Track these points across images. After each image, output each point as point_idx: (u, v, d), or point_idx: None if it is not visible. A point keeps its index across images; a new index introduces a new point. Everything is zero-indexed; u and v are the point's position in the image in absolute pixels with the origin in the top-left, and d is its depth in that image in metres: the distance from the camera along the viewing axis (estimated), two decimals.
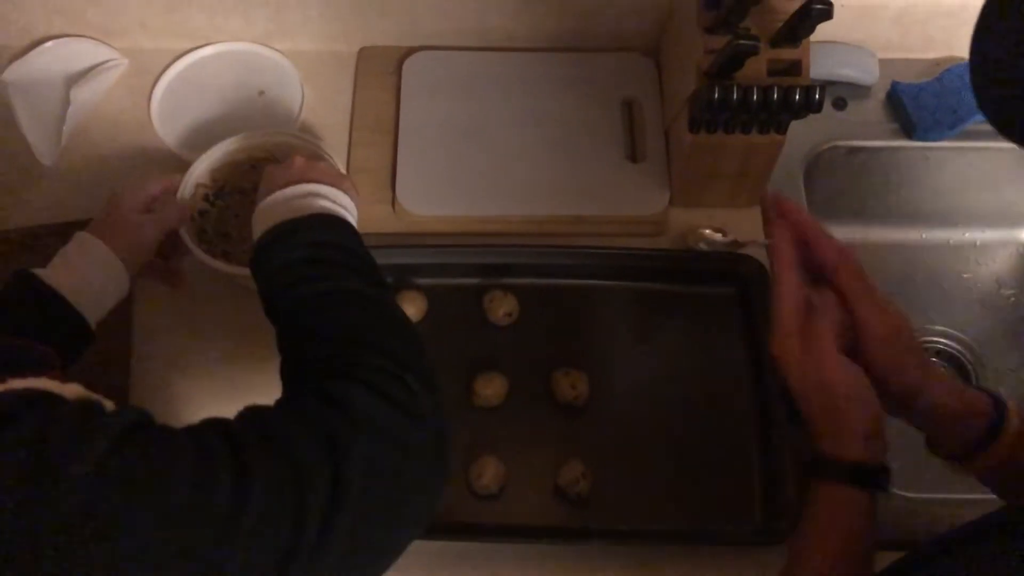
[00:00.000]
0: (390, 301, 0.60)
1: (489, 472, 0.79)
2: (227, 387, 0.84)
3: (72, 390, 0.46)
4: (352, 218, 0.67)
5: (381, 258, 0.64)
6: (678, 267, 0.90)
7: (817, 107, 0.79)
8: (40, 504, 0.39)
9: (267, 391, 0.54)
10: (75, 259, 0.70)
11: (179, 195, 0.80)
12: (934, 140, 0.99)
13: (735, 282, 0.89)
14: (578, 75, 0.99)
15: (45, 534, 0.39)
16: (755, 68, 0.79)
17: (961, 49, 0.48)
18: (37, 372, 0.46)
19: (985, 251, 1.09)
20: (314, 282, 0.58)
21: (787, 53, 0.80)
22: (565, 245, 0.90)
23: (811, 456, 0.60)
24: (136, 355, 0.85)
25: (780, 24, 0.78)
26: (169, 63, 1.01)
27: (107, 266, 0.70)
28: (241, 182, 0.84)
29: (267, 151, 0.85)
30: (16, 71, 0.97)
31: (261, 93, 1.00)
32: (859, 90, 1.01)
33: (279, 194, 0.65)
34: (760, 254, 0.89)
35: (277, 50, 1.02)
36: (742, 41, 0.74)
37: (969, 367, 1.04)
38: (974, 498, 0.79)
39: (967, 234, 1.09)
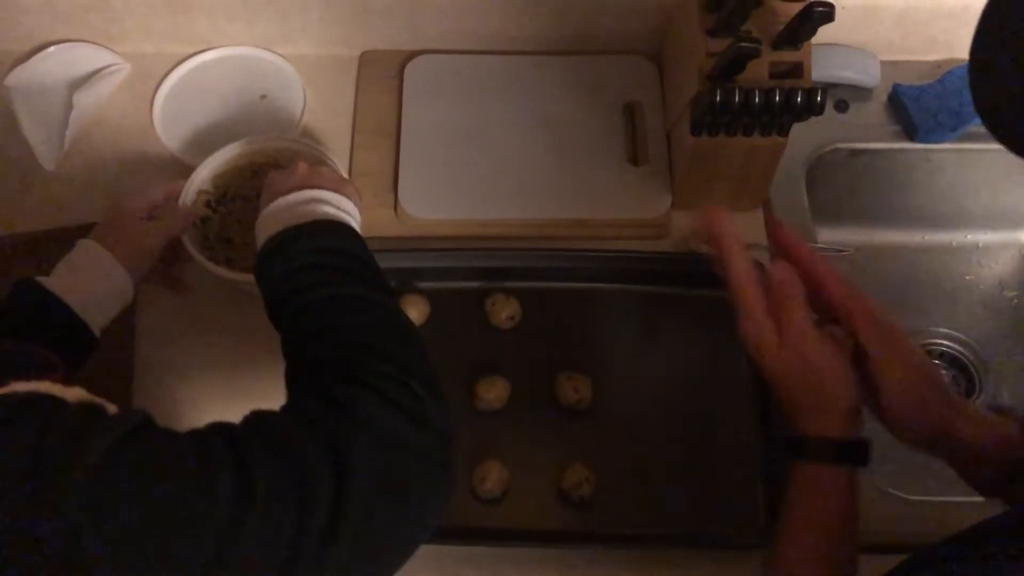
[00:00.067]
0: (394, 307, 0.60)
1: (492, 476, 0.79)
2: (230, 392, 0.84)
3: (74, 394, 0.46)
4: (356, 223, 0.67)
5: (383, 262, 0.64)
6: (680, 270, 0.90)
7: (819, 109, 0.79)
8: (40, 507, 0.39)
9: (271, 396, 0.54)
10: (78, 266, 0.70)
11: (181, 202, 0.80)
12: (936, 142, 0.99)
13: None
14: (580, 78, 1.00)
15: (45, 537, 0.39)
16: (757, 71, 0.79)
17: (963, 51, 0.48)
18: (40, 376, 0.46)
19: (987, 253, 1.08)
20: (318, 288, 0.58)
21: (789, 55, 0.80)
22: (567, 248, 0.90)
23: (790, 439, 0.60)
24: (139, 360, 0.85)
25: (781, 27, 0.78)
26: (171, 68, 1.01)
27: (110, 273, 0.71)
28: (243, 188, 0.84)
29: (269, 156, 0.85)
30: (19, 76, 0.98)
31: (263, 97, 1.00)
32: (861, 92, 1.01)
33: (282, 200, 0.65)
34: (763, 257, 0.89)
35: (279, 54, 1.02)
36: (744, 44, 0.74)
37: (972, 369, 1.04)
38: (977, 501, 0.79)
39: (969, 236, 1.09)
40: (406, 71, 1.00)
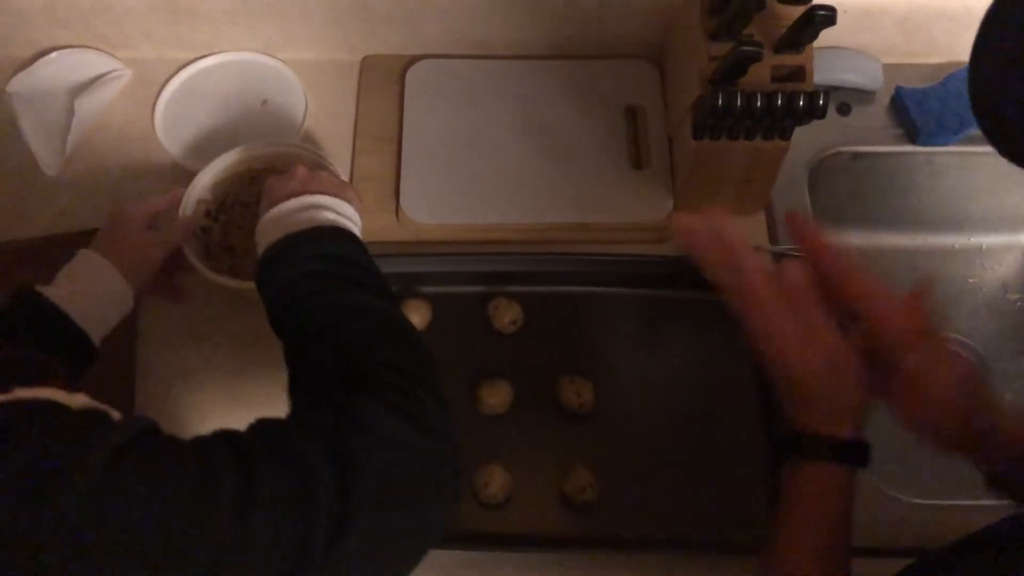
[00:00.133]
0: (397, 312, 0.60)
1: (495, 481, 0.78)
2: (232, 398, 0.84)
3: (78, 400, 0.46)
4: (356, 228, 0.67)
5: (385, 267, 0.64)
6: (682, 273, 0.90)
7: (821, 113, 0.79)
8: (41, 512, 0.39)
9: (273, 402, 0.54)
10: (79, 276, 0.70)
11: (181, 213, 0.80)
12: (939, 145, 0.99)
13: None
14: (581, 82, 1.00)
15: (46, 542, 0.39)
16: (759, 74, 0.79)
17: (965, 54, 0.48)
18: (44, 382, 0.46)
19: (991, 255, 1.08)
20: (320, 296, 0.58)
21: (791, 59, 0.80)
22: (569, 252, 0.90)
23: (792, 436, 0.60)
24: (141, 366, 0.85)
25: (783, 30, 0.78)
26: (173, 73, 1.01)
27: (110, 283, 0.71)
28: (242, 195, 0.84)
29: (268, 162, 0.85)
30: (20, 82, 0.98)
31: (264, 103, 1.00)
32: (863, 95, 1.01)
33: (282, 207, 0.65)
34: (765, 260, 0.89)
35: (280, 59, 1.02)
36: (745, 47, 0.74)
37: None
38: (981, 504, 0.78)
39: (972, 239, 1.08)
40: (407, 76, 1.00)
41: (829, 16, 0.73)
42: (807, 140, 0.96)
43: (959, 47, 1.01)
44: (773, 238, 0.93)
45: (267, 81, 1.02)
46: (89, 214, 0.91)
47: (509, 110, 0.98)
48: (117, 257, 0.71)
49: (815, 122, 0.81)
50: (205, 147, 0.96)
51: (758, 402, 0.84)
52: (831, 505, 0.58)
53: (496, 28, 1.00)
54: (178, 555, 0.41)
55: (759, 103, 0.78)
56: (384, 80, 1.01)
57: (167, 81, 1.01)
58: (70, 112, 0.95)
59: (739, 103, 0.78)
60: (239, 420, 0.50)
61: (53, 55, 1.00)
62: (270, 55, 1.02)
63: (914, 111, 0.98)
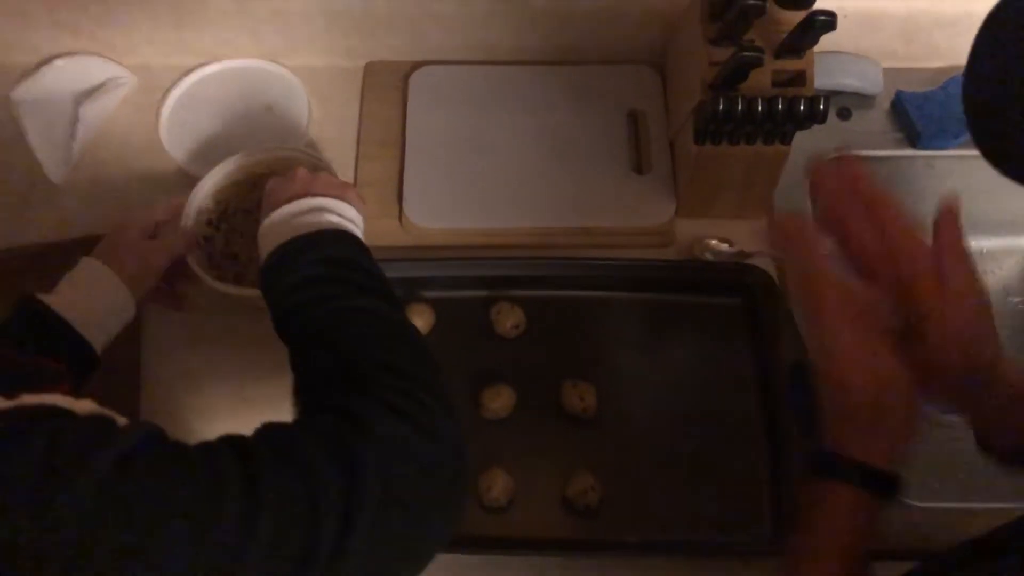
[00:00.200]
0: (402, 318, 0.60)
1: (498, 485, 0.79)
2: (237, 402, 0.84)
3: (84, 406, 0.46)
4: (358, 230, 0.67)
5: (388, 271, 0.64)
6: (685, 278, 0.90)
7: (822, 117, 0.79)
8: (46, 517, 0.39)
9: (277, 406, 0.54)
10: (81, 284, 0.70)
11: (183, 224, 0.79)
12: (939, 149, 0.99)
13: (742, 292, 0.89)
14: (583, 87, 1.00)
15: (49, 547, 0.39)
16: (759, 79, 0.79)
17: (965, 58, 0.48)
18: (50, 388, 0.46)
19: (992, 259, 1.08)
20: (325, 302, 0.58)
21: (791, 64, 0.80)
22: (571, 257, 0.90)
23: (823, 456, 0.58)
24: (145, 371, 0.86)
25: (784, 35, 0.78)
26: (177, 79, 1.02)
27: (112, 291, 0.70)
28: (244, 201, 0.84)
29: (267, 167, 0.84)
30: (26, 89, 0.98)
31: (268, 109, 1.01)
32: (863, 100, 1.01)
33: (284, 210, 0.64)
34: (767, 264, 0.89)
35: (284, 66, 1.03)
36: (746, 53, 0.74)
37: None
38: (986, 508, 0.79)
39: (973, 242, 1.08)
40: (410, 82, 1.00)
41: (829, 21, 0.73)
42: (808, 144, 0.96)
43: (959, 51, 1.00)
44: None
45: (271, 87, 1.02)
46: (94, 220, 0.91)
47: (511, 115, 0.98)
48: (119, 265, 0.71)
49: (816, 127, 0.81)
50: (209, 153, 0.97)
51: (760, 405, 0.85)
52: (861, 530, 0.56)
53: (498, 33, 1.00)
54: (182, 560, 0.41)
55: (760, 108, 0.78)
56: (387, 86, 1.02)
57: (171, 87, 1.01)
58: (75, 119, 0.95)
59: (740, 108, 0.78)
60: (244, 425, 0.50)
61: (58, 62, 1.00)
62: (274, 61, 1.03)
63: (915, 115, 0.98)
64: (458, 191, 0.93)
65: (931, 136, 0.97)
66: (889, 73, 1.00)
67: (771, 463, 0.82)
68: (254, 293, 0.76)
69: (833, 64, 0.98)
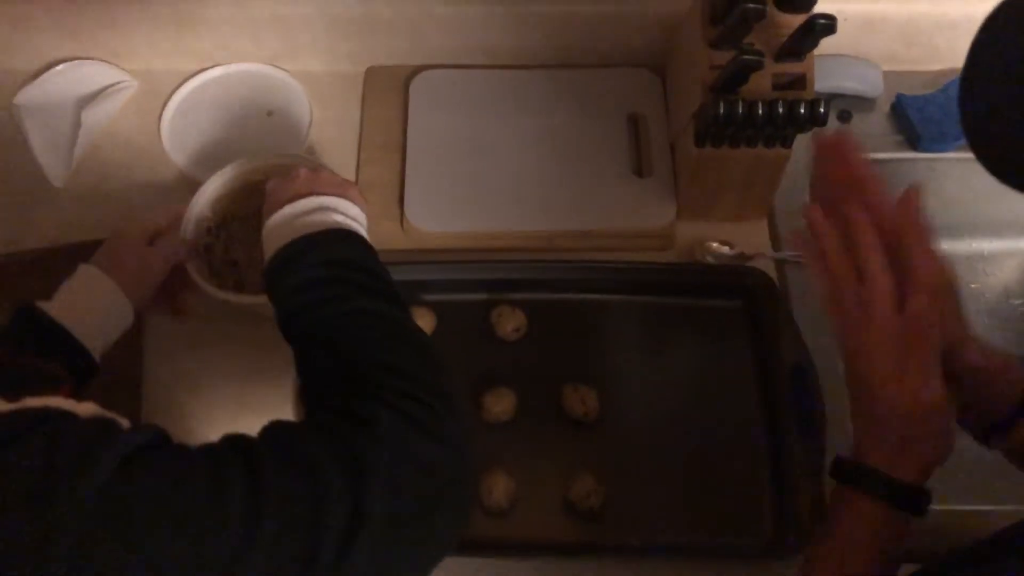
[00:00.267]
0: (407, 318, 0.60)
1: (499, 488, 0.78)
2: (239, 405, 0.84)
3: (86, 408, 0.46)
4: (362, 228, 0.67)
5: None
6: (686, 280, 0.90)
7: (822, 120, 0.79)
8: (48, 519, 0.39)
9: (280, 408, 0.54)
10: (79, 292, 0.69)
11: (182, 233, 0.79)
12: (940, 151, 0.99)
13: (742, 295, 0.89)
14: (584, 91, 1.00)
15: (52, 550, 0.39)
16: (760, 82, 0.79)
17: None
18: (52, 391, 0.47)
19: (993, 261, 1.08)
20: (331, 304, 0.58)
21: (791, 67, 0.80)
22: (572, 260, 0.90)
23: (854, 467, 0.57)
24: (147, 374, 0.86)
25: (784, 39, 0.78)
26: (178, 84, 1.02)
27: (110, 299, 0.70)
28: (242, 210, 0.83)
29: (265, 175, 0.83)
30: (28, 94, 0.99)
31: (270, 113, 1.01)
32: (864, 103, 1.01)
33: (287, 210, 0.64)
34: (767, 266, 0.89)
35: (285, 70, 1.03)
36: (747, 56, 0.74)
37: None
38: (989, 510, 0.79)
39: (974, 244, 1.08)
40: (411, 86, 1.01)
41: (829, 24, 0.73)
42: (809, 148, 0.96)
43: (959, 54, 0.99)
44: (775, 245, 0.93)
45: (272, 92, 1.02)
46: (95, 225, 0.91)
47: (512, 118, 0.98)
48: (117, 272, 0.71)
49: (816, 130, 0.82)
50: (211, 158, 0.97)
51: (761, 408, 0.85)
52: (877, 540, 0.56)
53: (498, 38, 1.00)
54: (185, 563, 0.41)
55: (760, 111, 0.78)
56: (388, 90, 1.02)
57: (173, 92, 1.01)
58: (77, 123, 0.95)
59: (741, 111, 0.78)
60: (245, 428, 0.50)
61: (60, 67, 1.01)
62: (275, 66, 1.03)
63: (915, 118, 0.98)
64: (459, 194, 0.93)
65: (931, 139, 0.98)
66: (889, 76, 1.01)
67: (772, 465, 0.82)
68: (254, 300, 0.76)
69: (833, 67, 0.98)
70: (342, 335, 0.56)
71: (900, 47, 1.01)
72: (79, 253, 0.73)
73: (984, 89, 0.47)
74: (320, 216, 0.63)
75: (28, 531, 0.39)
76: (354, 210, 0.67)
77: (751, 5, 0.73)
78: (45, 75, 1.00)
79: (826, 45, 0.77)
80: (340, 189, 0.67)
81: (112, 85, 1.00)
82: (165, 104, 1.01)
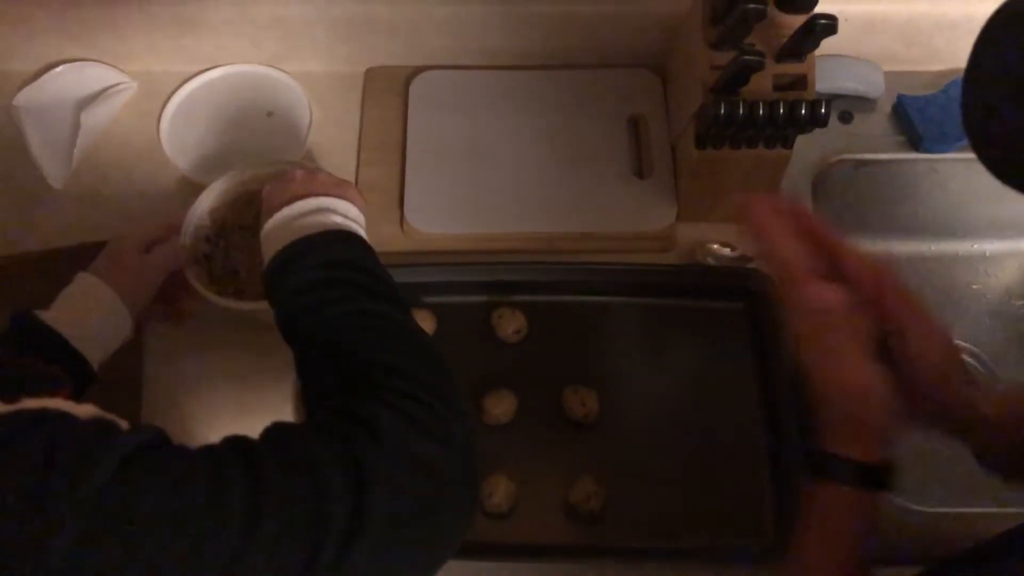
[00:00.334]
0: (408, 319, 0.60)
1: (500, 491, 0.78)
2: (239, 407, 0.84)
3: (85, 410, 0.46)
4: (361, 229, 0.66)
5: None
6: (686, 282, 0.90)
7: (823, 121, 0.79)
8: (47, 523, 0.39)
9: (280, 410, 0.54)
10: (76, 300, 0.69)
11: (181, 242, 0.79)
12: (941, 152, 0.99)
13: (743, 296, 0.89)
14: (584, 92, 1.00)
15: (50, 552, 0.39)
16: (761, 83, 0.79)
17: (966, 61, 0.49)
18: (51, 393, 0.46)
19: (994, 262, 1.08)
20: (332, 305, 0.57)
21: (792, 68, 0.80)
22: (573, 262, 0.90)
23: (817, 456, 0.59)
24: (146, 376, 0.86)
25: (785, 39, 0.78)
26: (178, 86, 1.02)
27: (109, 307, 0.70)
28: (241, 217, 0.83)
29: (262, 183, 0.83)
30: (27, 96, 0.98)
31: (269, 114, 1.01)
32: (865, 103, 1.01)
33: (286, 212, 0.64)
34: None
35: (285, 72, 1.03)
36: (747, 57, 0.74)
37: (980, 378, 1.03)
38: (991, 512, 0.78)
39: (975, 245, 1.08)
40: (411, 87, 1.00)
41: (830, 25, 0.73)
42: (809, 148, 0.96)
43: (960, 54, 1.00)
44: None
45: (272, 93, 1.02)
46: (95, 226, 0.91)
47: (512, 120, 0.98)
48: (115, 280, 0.70)
49: (817, 130, 0.82)
50: (210, 159, 0.97)
51: (762, 410, 0.84)
52: (858, 529, 0.58)
53: (498, 38, 1.00)
54: (185, 563, 0.41)
55: (761, 112, 0.78)
56: (388, 91, 1.02)
57: (172, 93, 1.01)
58: (76, 125, 0.95)
59: (741, 112, 0.78)
60: (245, 430, 0.50)
61: (59, 69, 1.01)
62: (275, 67, 1.03)
63: (916, 118, 0.98)
64: (459, 196, 0.93)
65: (932, 139, 0.97)
66: (890, 76, 1.00)
67: (773, 467, 0.82)
68: (254, 307, 0.76)
69: (834, 68, 0.98)
70: (342, 336, 0.56)
71: (901, 47, 1.01)
72: (78, 255, 0.73)
73: (986, 89, 0.47)
74: (318, 217, 0.63)
75: (28, 532, 0.39)
76: (353, 211, 0.67)
77: (752, 5, 0.73)
78: (44, 76, 1.00)
79: (827, 46, 0.77)
80: (338, 190, 0.67)
81: (111, 87, 1.00)
82: (164, 106, 1.00)
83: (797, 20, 0.77)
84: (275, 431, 0.50)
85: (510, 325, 0.87)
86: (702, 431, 0.84)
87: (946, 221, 1.06)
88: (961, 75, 0.49)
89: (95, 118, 0.98)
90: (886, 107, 1.01)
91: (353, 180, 0.96)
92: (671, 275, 0.90)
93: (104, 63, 1.02)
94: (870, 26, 0.98)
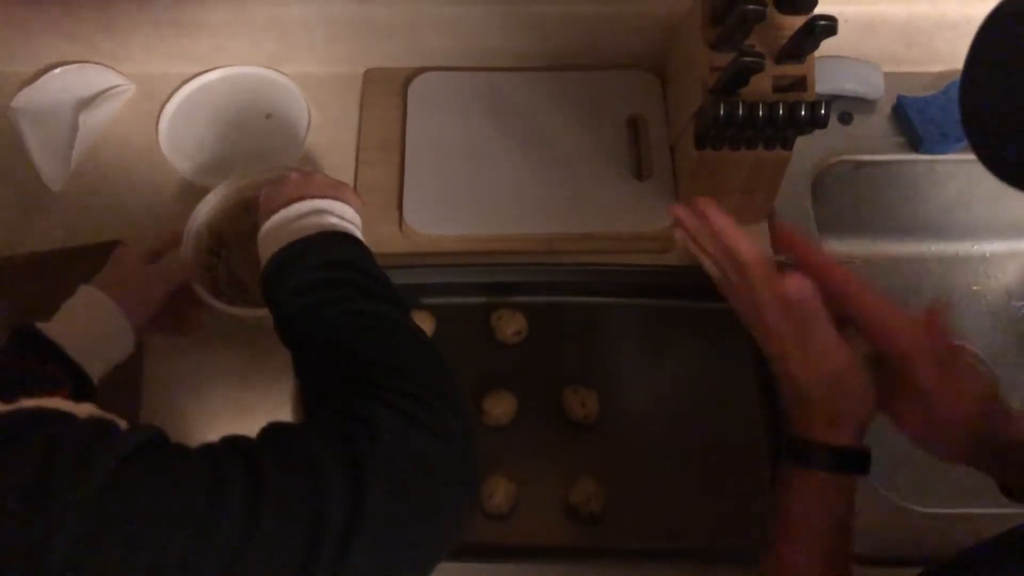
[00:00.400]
0: (406, 319, 0.60)
1: (500, 492, 0.78)
2: (238, 408, 0.84)
3: (84, 409, 0.46)
4: (358, 230, 0.67)
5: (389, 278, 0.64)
6: (685, 283, 0.90)
7: (823, 122, 0.79)
8: (45, 520, 0.39)
9: (279, 411, 0.54)
10: (79, 313, 0.69)
11: (182, 254, 0.78)
12: (940, 153, 0.99)
13: None
14: (583, 93, 1.00)
15: (50, 551, 0.38)
16: (760, 84, 0.79)
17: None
18: (50, 392, 0.46)
19: (994, 263, 1.08)
20: (329, 305, 0.58)
21: (792, 69, 0.80)
22: (572, 263, 0.90)
23: (791, 442, 0.60)
24: (146, 376, 0.85)
25: (785, 40, 0.78)
26: (176, 87, 1.02)
27: (111, 321, 0.69)
28: (238, 226, 0.83)
29: (257, 189, 0.84)
30: (25, 98, 0.98)
31: (268, 116, 1.01)
32: (865, 104, 1.01)
33: (283, 213, 0.64)
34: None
35: (284, 73, 1.03)
36: (747, 58, 0.74)
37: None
38: (991, 513, 0.78)
39: (975, 246, 1.08)
40: (410, 88, 1.00)
41: (830, 26, 0.73)
42: (809, 149, 0.96)
43: (960, 55, 1.00)
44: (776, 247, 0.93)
45: (271, 94, 1.02)
46: (93, 228, 0.91)
47: (511, 121, 0.98)
48: (118, 294, 0.70)
49: (817, 131, 0.81)
50: (209, 161, 0.97)
51: (762, 410, 0.84)
52: (830, 510, 0.58)
53: (497, 40, 1.00)
54: (185, 562, 0.41)
55: (761, 113, 0.78)
56: (387, 92, 1.02)
57: (171, 95, 1.01)
58: (74, 127, 0.95)
59: (741, 113, 0.78)
60: (245, 430, 0.50)
61: (58, 70, 1.00)
62: (273, 69, 1.03)
63: (916, 119, 0.98)
64: (458, 197, 0.93)
65: (932, 140, 0.97)
66: (890, 77, 1.00)
67: (773, 468, 0.81)
68: (266, 313, 0.76)
69: (834, 69, 0.98)
70: (341, 336, 0.56)
71: (900, 48, 1.01)
72: (77, 256, 0.73)
73: (985, 88, 0.47)
74: (315, 219, 0.63)
75: (27, 532, 0.38)
76: (349, 212, 0.67)
77: (751, 6, 0.73)
78: (43, 78, 1.00)
79: (826, 47, 0.77)
80: (334, 191, 0.67)
81: (110, 88, 1.00)
82: (163, 107, 1.00)
83: (797, 21, 0.77)
84: (273, 431, 0.50)
85: (510, 326, 0.87)
86: (702, 431, 0.84)
87: (946, 222, 1.06)
88: (961, 74, 0.49)
89: (94, 120, 0.98)
90: (886, 108, 1.01)
91: (352, 181, 0.96)
92: (670, 276, 0.90)
93: (103, 65, 1.02)
94: (870, 27, 0.98)
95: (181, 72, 1.02)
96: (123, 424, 0.46)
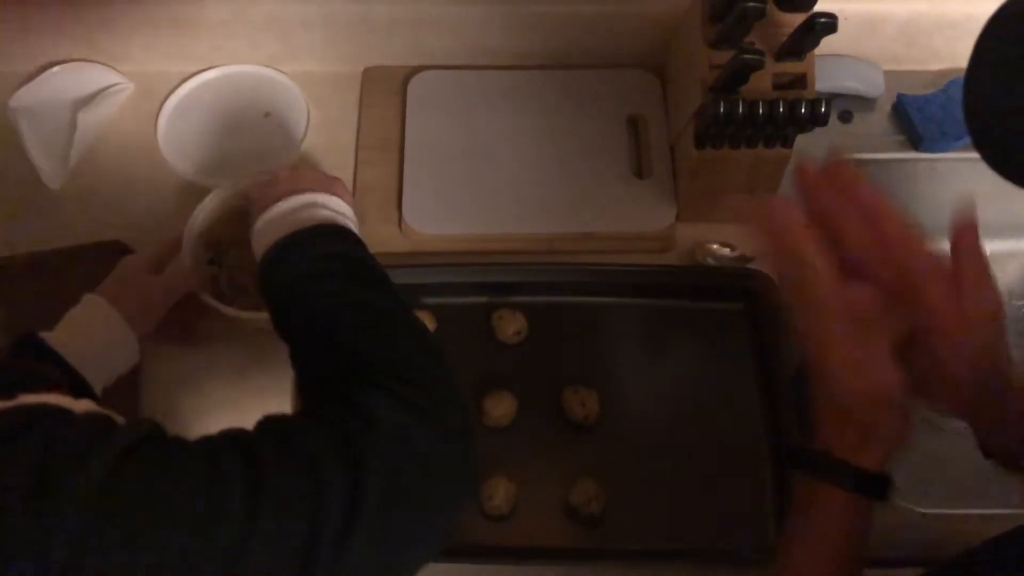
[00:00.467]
0: (403, 310, 0.59)
1: (500, 493, 0.78)
2: (237, 403, 0.84)
3: (83, 406, 0.46)
4: (352, 224, 0.67)
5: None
6: (686, 283, 0.90)
7: (823, 120, 0.79)
8: (46, 516, 0.39)
9: (278, 407, 0.54)
10: (82, 322, 0.69)
11: (182, 263, 0.78)
12: (941, 151, 0.98)
13: (744, 297, 0.89)
14: (583, 92, 1.00)
15: (51, 549, 0.38)
16: (760, 82, 0.79)
17: (966, 60, 0.48)
18: (48, 389, 0.46)
19: (994, 262, 1.06)
20: (325, 297, 0.58)
21: (792, 67, 0.80)
22: (573, 263, 0.90)
23: (818, 457, 0.57)
24: (145, 375, 0.85)
25: (785, 38, 0.78)
26: (175, 86, 1.01)
27: (114, 330, 0.69)
28: (235, 234, 0.82)
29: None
30: (24, 96, 0.98)
31: (267, 115, 1.00)
32: (865, 103, 1.01)
33: (276, 208, 0.64)
34: (768, 268, 0.88)
35: (283, 72, 1.03)
36: (747, 56, 0.74)
37: None
38: (991, 514, 0.78)
39: None
40: (409, 87, 1.00)
41: (830, 23, 0.73)
42: (809, 148, 0.96)
43: (960, 53, 1.00)
44: None
45: (269, 93, 1.02)
46: (91, 227, 0.91)
47: (511, 120, 0.98)
48: (122, 303, 0.70)
49: (817, 130, 0.81)
50: (207, 159, 0.97)
51: (762, 410, 0.84)
52: (855, 531, 0.56)
53: (497, 38, 1.00)
54: (184, 557, 0.41)
55: (761, 111, 0.78)
56: (386, 91, 1.01)
57: (169, 94, 1.01)
58: (73, 126, 0.95)
59: (741, 111, 0.78)
60: (243, 423, 0.50)
61: (56, 69, 1.00)
62: (272, 68, 1.03)
63: (916, 118, 0.98)
64: (458, 197, 0.93)
65: (932, 139, 0.97)
66: (890, 76, 1.00)
67: (774, 469, 0.81)
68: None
69: (834, 67, 0.98)
70: (338, 326, 0.56)
71: (901, 47, 1.01)
72: (76, 256, 0.72)
73: (989, 86, 0.47)
74: (308, 212, 0.63)
75: (26, 528, 0.39)
76: (342, 205, 0.67)
77: (751, 4, 0.73)
78: (41, 77, 0.99)
79: (826, 45, 0.77)
80: (325, 185, 0.67)
81: (108, 87, 0.99)
82: (161, 106, 1.00)
83: (797, 19, 0.76)
84: (270, 423, 0.50)
85: (510, 326, 0.86)
86: (702, 431, 0.83)
87: (945, 221, 1.05)
88: (961, 75, 0.49)
89: (92, 119, 0.97)
90: (886, 106, 1.01)
91: (351, 181, 0.96)
92: (671, 276, 0.90)
93: (101, 63, 1.02)
94: (870, 25, 0.98)
95: (180, 71, 1.02)
96: (120, 419, 0.46)
